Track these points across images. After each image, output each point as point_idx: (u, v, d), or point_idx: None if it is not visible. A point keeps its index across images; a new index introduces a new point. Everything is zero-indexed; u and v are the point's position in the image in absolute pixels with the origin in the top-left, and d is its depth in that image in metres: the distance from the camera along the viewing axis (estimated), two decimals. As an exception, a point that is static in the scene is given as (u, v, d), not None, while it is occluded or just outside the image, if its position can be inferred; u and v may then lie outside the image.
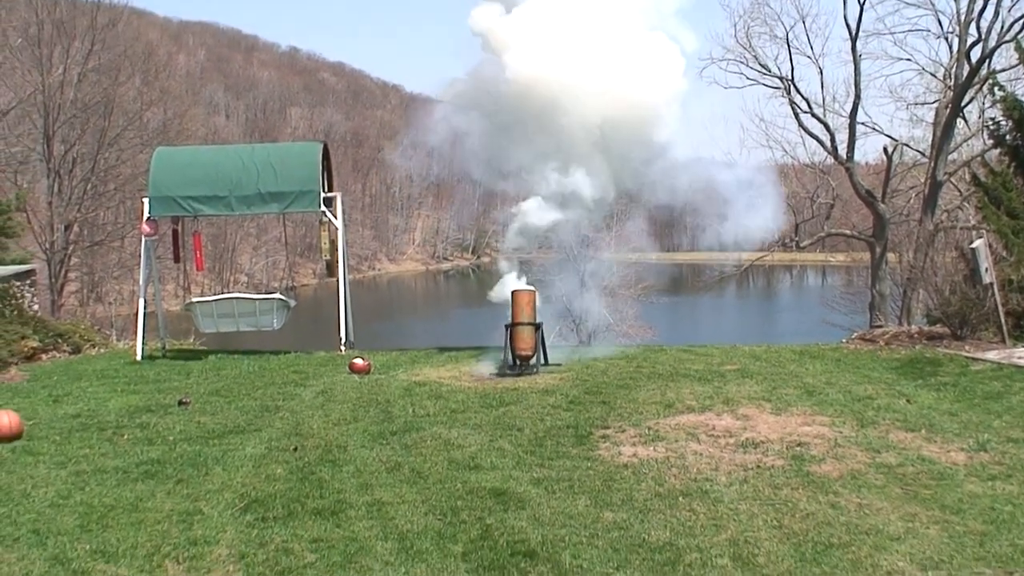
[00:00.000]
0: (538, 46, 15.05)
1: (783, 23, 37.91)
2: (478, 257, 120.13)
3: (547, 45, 15.04)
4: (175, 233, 18.14)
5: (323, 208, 17.53)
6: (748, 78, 36.78)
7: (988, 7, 30.72)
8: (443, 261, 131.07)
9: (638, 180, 16.77)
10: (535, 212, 15.57)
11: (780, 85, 36.27)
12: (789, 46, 35.94)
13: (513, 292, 14.36)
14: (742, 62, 36.57)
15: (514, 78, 15.10)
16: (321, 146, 18.63)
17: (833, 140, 35.56)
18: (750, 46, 36.46)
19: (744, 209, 16.20)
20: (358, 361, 14.59)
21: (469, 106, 16.24)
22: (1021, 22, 28.97)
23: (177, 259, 18.49)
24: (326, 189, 18.06)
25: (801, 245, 38.28)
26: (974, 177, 22.30)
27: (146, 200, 17.30)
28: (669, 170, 16.09)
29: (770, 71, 36.43)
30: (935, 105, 34.02)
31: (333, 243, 17.91)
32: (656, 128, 15.77)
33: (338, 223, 17.83)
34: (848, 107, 35.10)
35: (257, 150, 18.67)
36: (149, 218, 17.27)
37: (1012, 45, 25.82)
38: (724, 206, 16.35)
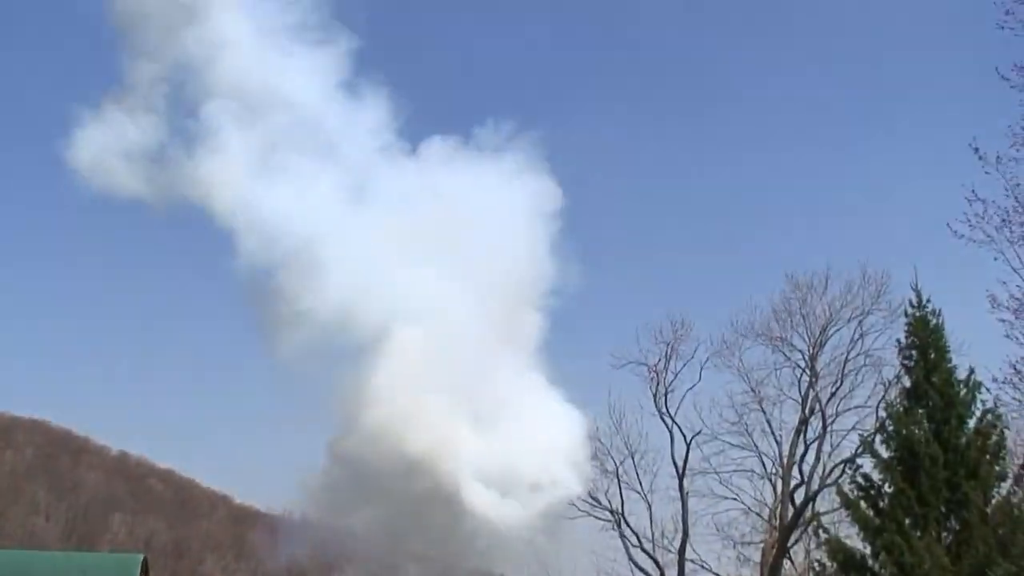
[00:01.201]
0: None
1: (613, 458, 38.21)
2: None
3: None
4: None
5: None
6: (580, 509, 36.85)
7: (809, 451, 32.62)
8: None
9: None
10: None
11: (611, 518, 36.50)
12: (619, 481, 36.59)
13: None
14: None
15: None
16: (141, 560, 17.89)
17: (663, 576, 35.47)
18: (581, 479, 36.94)
19: None
20: None
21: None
22: (842, 467, 30.09)
23: None
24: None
25: None
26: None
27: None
28: None
29: (600, 503, 36.80)
30: (761, 545, 34.56)
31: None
32: None
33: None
34: (677, 543, 35.47)
35: (73, 558, 17.82)
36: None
37: (834, 489, 26.34)
38: None
